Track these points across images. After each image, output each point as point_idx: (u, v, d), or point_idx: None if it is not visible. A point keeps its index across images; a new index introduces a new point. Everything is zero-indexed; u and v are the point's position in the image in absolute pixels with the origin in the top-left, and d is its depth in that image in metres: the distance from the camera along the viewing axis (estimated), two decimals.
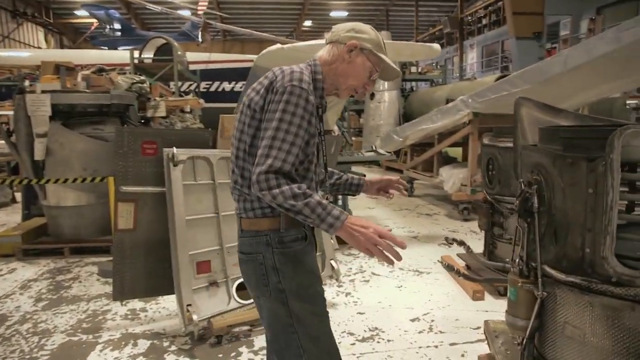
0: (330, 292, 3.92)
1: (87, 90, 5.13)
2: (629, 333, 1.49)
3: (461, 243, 4.39)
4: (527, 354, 1.81)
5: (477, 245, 5.12)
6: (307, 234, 1.64)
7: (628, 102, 9.05)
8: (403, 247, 1.42)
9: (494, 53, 22.54)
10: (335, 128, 7.18)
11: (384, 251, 1.41)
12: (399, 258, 1.43)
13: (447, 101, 8.40)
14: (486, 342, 2.62)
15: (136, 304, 3.62)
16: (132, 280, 3.08)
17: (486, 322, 2.73)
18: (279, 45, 4.44)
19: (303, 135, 1.51)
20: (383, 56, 1.67)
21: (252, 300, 3.14)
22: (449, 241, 4.57)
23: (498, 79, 7.51)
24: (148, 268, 3.11)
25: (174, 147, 2.96)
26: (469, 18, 24.07)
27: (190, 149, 3.07)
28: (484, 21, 23.20)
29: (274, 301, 1.59)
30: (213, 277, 3.10)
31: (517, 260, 1.83)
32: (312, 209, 1.41)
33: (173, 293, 3.07)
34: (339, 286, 4.07)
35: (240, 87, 12.84)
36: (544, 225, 1.63)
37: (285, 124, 1.47)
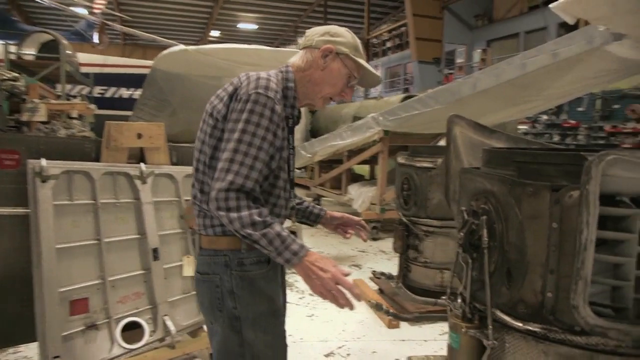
0: None
1: None
2: None
3: (390, 277, 4.21)
4: None
5: (387, 266, 5.00)
6: (270, 257, 1.48)
7: (519, 126, 9.78)
8: (359, 299, 1.38)
9: (397, 75, 23.60)
10: None
11: (338, 299, 1.36)
12: (352, 308, 1.38)
13: (355, 119, 8.40)
14: None
15: None
16: None
17: (409, 359, 2.51)
18: (182, 47, 3.97)
19: (267, 148, 1.40)
20: (361, 61, 1.57)
21: (142, 343, 2.65)
22: (377, 275, 4.37)
23: (405, 98, 7.63)
24: (2, 311, 2.45)
25: (43, 159, 2.38)
26: (375, 40, 25.04)
27: (65, 161, 2.50)
28: (388, 44, 24.28)
29: (227, 328, 1.49)
30: (92, 319, 2.52)
31: (459, 300, 1.59)
32: (270, 240, 1.33)
33: (36, 340, 2.45)
34: None
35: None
36: (493, 263, 1.40)
37: (249, 136, 1.36)
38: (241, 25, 26.14)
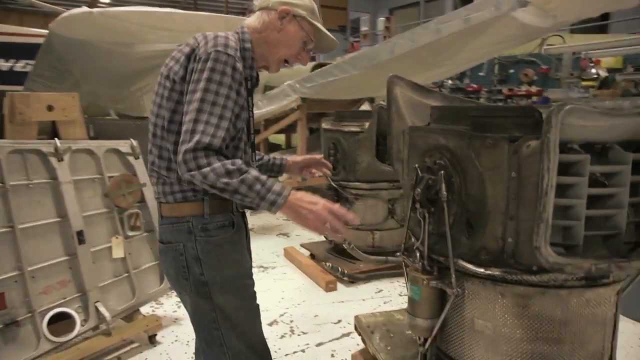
0: (169, 303, 3.36)
1: None
2: (538, 318, 1.43)
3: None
4: (430, 356, 1.65)
5: (313, 233, 5.07)
6: (234, 221, 1.50)
7: None
8: (355, 222, 1.38)
9: None
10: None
11: (337, 229, 1.33)
12: (349, 235, 1.41)
13: (266, 88, 8.25)
14: (360, 338, 2.45)
15: None
16: None
17: (357, 318, 2.57)
18: (85, 9, 3.54)
19: (232, 106, 1.34)
20: (318, 24, 1.56)
21: (74, 334, 2.45)
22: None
23: (315, 66, 7.57)
24: None
25: None
26: None
27: None
28: None
29: (195, 295, 1.48)
30: (11, 315, 2.26)
31: (416, 254, 1.64)
32: (250, 186, 1.27)
33: None
34: None
35: (23, 67, 10.49)
36: (452, 215, 1.47)
37: (212, 95, 1.31)
38: None
